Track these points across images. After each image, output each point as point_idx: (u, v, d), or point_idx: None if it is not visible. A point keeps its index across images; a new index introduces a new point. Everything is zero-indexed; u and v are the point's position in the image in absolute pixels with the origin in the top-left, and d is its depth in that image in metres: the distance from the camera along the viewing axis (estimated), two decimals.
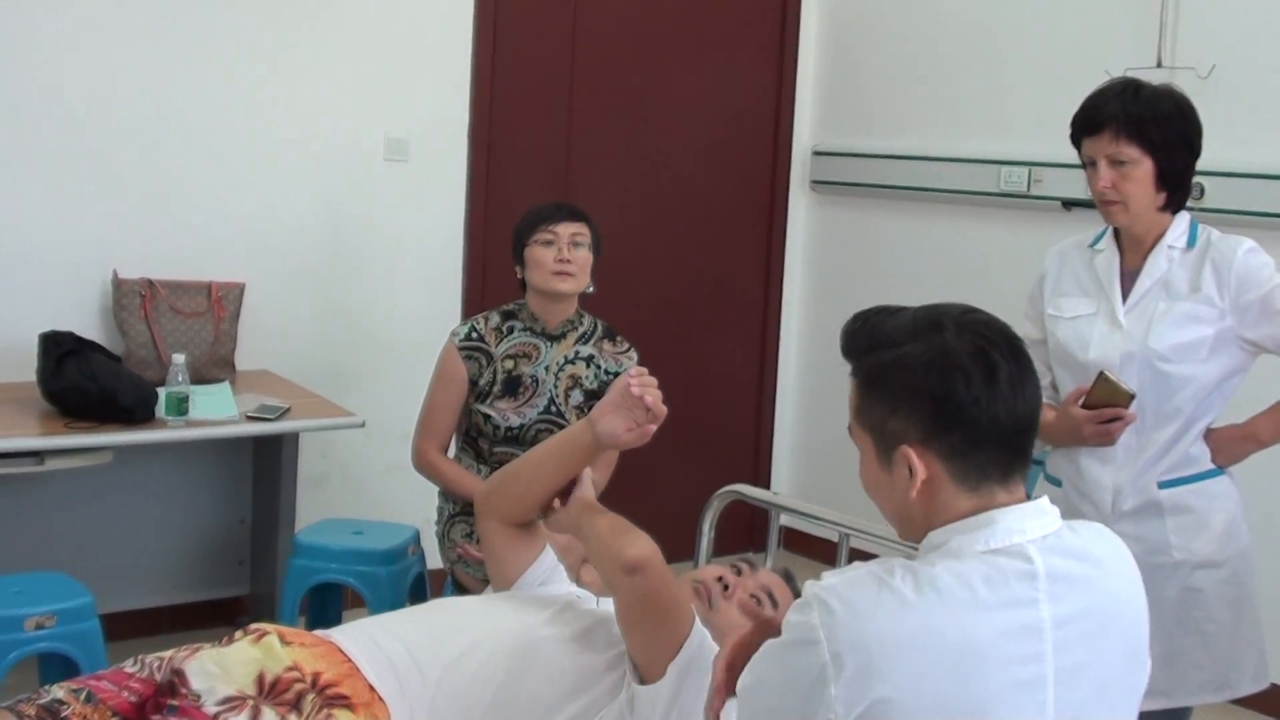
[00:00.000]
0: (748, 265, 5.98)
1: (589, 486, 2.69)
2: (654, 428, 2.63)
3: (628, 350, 3.83)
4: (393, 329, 5.01)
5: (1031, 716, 1.69)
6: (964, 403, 1.73)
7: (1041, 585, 1.72)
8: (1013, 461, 1.78)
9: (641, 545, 2.36)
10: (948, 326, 1.77)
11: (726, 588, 2.63)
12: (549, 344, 3.74)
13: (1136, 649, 1.84)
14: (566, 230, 3.66)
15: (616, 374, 3.73)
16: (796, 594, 2.03)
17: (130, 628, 4.36)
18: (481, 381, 3.67)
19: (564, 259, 3.64)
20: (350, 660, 2.39)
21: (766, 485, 5.92)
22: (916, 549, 1.82)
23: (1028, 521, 1.76)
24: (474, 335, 3.71)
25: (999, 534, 1.74)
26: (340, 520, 4.41)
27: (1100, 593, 1.78)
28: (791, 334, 6.09)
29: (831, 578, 1.73)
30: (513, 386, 3.68)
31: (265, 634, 2.43)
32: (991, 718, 1.67)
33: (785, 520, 4.04)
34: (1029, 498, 1.81)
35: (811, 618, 1.69)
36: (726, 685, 1.94)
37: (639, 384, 2.59)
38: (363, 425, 4.28)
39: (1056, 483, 3.16)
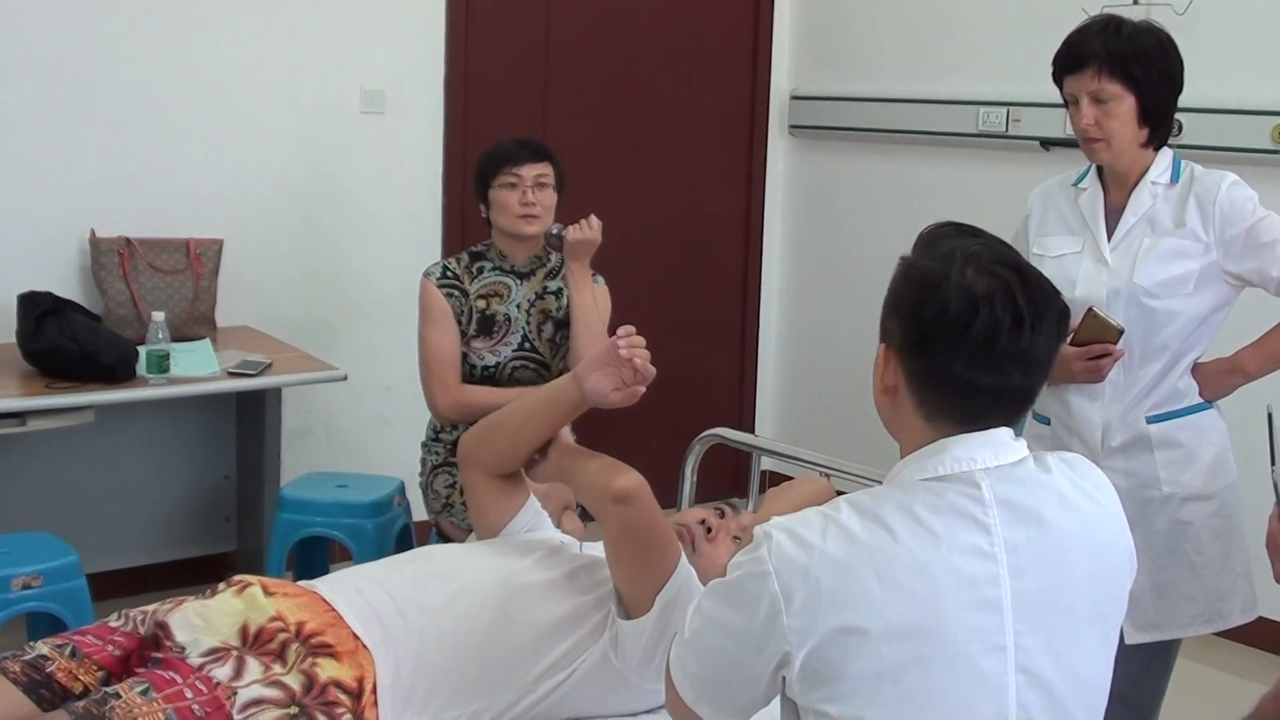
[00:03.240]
0: (728, 211, 5.96)
1: (567, 432, 2.71)
2: (642, 389, 2.60)
3: (593, 276, 3.82)
4: (373, 281, 4.98)
5: (988, 638, 1.69)
6: (928, 334, 1.73)
7: (991, 511, 1.72)
8: (972, 419, 1.76)
9: (629, 477, 2.38)
10: (970, 260, 1.73)
11: (710, 530, 2.63)
12: (519, 281, 3.75)
13: (1109, 583, 1.82)
14: (530, 172, 3.67)
15: None
16: None
17: (118, 586, 4.35)
18: (460, 320, 3.67)
19: (528, 202, 3.66)
20: (334, 609, 2.39)
21: (751, 431, 5.92)
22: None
23: (978, 450, 1.75)
24: (448, 274, 3.71)
25: (947, 462, 1.74)
26: (325, 474, 4.41)
27: (1064, 521, 1.76)
28: (773, 279, 6.08)
29: (780, 518, 1.75)
30: (487, 326, 3.69)
31: (248, 585, 2.44)
32: (948, 640, 1.67)
33: (767, 463, 4.04)
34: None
35: (760, 552, 1.71)
36: None
37: (626, 345, 2.55)
38: (345, 378, 4.26)
39: (1045, 420, 3.15)
